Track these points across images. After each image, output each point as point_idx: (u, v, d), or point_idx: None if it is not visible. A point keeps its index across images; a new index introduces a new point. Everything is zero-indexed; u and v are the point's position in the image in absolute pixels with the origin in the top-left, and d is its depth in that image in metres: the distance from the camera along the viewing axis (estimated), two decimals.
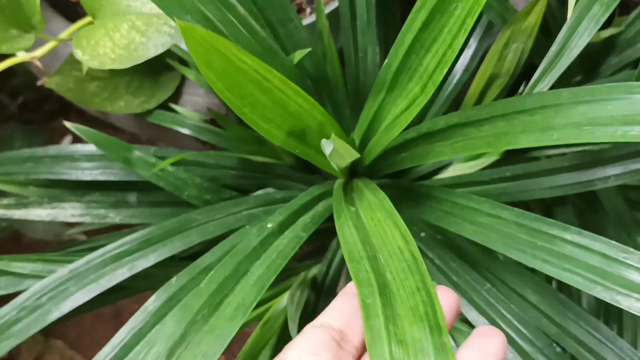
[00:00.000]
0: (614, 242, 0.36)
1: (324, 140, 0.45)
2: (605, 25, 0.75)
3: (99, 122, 0.87)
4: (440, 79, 0.41)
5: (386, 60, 0.46)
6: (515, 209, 0.41)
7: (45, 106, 1.24)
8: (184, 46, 0.62)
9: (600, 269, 0.36)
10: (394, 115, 0.46)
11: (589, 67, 0.77)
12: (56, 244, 1.06)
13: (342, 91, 0.62)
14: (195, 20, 0.45)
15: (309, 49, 0.51)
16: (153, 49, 0.54)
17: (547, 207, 0.80)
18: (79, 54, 0.56)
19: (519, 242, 0.39)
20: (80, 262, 0.53)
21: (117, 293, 0.59)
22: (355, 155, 0.49)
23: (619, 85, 0.37)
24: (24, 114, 1.25)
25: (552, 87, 0.64)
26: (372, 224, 0.41)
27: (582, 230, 0.37)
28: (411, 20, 0.42)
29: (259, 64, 0.38)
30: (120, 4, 0.56)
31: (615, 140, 0.34)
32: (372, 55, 0.59)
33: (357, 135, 0.53)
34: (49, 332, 1.13)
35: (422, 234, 0.57)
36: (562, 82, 0.73)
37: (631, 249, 0.35)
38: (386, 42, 0.64)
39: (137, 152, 0.58)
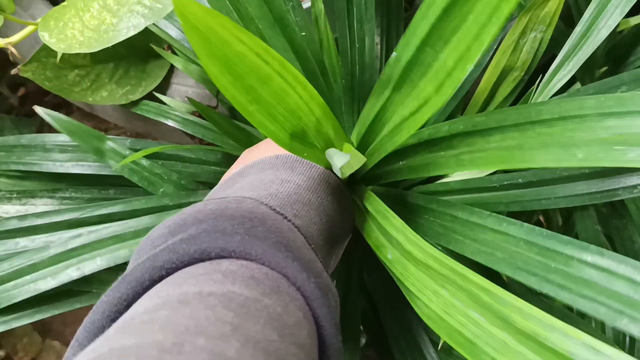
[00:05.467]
0: None
1: (331, 150, 0.40)
2: (635, 12, 0.68)
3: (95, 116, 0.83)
4: (462, 77, 0.33)
5: (394, 53, 0.38)
6: (525, 224, 0.35)
7: (47, 98, 1.20)
8: (166, 29, 0.57)
9: (626, 297, 0.29)
10: (401, 117, 0.39)
11: (616, 57, 0.70)
12: None
13: (338, 84, 0.56)
14: None
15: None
16: (124, 31, 0.49)
17: (567, 212, 0.74)
18: (45, 37, 0.50)
19: (529, 263, 0.33)
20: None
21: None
22: (363, 159, 0.43)
23: None
24: (25, 106, 1.20)
25: (573, 79, 0.57)
26: None
27: (604, 250, 0.31)
28: (428, 5, 0.34)
29: (257, 43, 0.32)
30: None
31: None
32: (370, 47, 0.53)
33: (355, 137, 0.47)
34: (46, 332, 1.09)
35: None
36: (585, 73, 0.67)
37: None
38: (388, 33, 0.58)
39: (110, 143, 0.53)
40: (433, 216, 0.42)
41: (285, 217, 0.34)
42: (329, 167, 0.43)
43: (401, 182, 0.57)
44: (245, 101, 0.34)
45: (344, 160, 0.39)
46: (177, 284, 0.26)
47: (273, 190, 0.36)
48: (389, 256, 0.39)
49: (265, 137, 0.54)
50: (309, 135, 0.40)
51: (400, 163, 0.45)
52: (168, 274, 0.28)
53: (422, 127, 0.39)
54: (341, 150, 0.44)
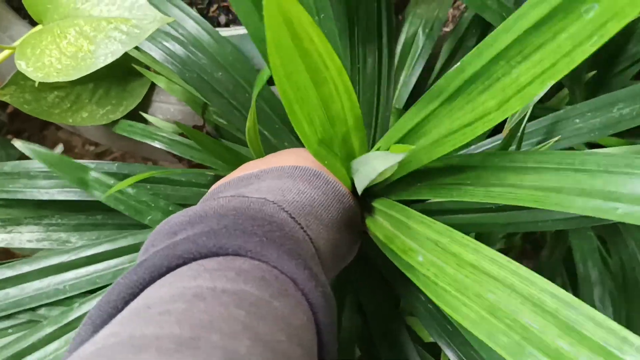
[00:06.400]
0: None
1: (373, 153, 0.39)
2: None
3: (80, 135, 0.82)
4: (537, 93, 0.32)
5: (458, 64, 0.37)
6: None
7: None
8: (149, 51, 0.55)
9: None
10: (448, 130, 0.38)
11: (605, 60, 0.69)
12: None
13: None
14: None
15: None
16: (102, 58, 0.48)
17: None
18: (22, 66, 0.49)
19: None
20: None
21: None
22: (395, 166, 0.42)
23: None
24: (14, 123, 1.19)
25: (560, 85, 0.56)
26: None
27: None
28: (518, 17, 0.32)
29: (325, 45, 0.33)
30: (67, 6, 0.49)
31: None
32: (371, 66, 0.52)
33: (383, 147, 0.46)
34: None
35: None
36: (573, 79, 0.66)
37: None
38: (379, 53, 0.57)
39: (94, 173, 0.52)
40: None
41: (301, 227, 0.35)
42: (344, 177, 0.42)
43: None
44: (294, 98, 0.34)
45: (392, 161, 0.37)
46: (192, 277, 0.27)
47: (290, 198, 0.37)
48: (420, 259, 0.38)
49: (251, 152, 0.53)
50: (335, 144, 0.40)
51: (418, 184, 0.44)
52: (185, 263, 0.29)
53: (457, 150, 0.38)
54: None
